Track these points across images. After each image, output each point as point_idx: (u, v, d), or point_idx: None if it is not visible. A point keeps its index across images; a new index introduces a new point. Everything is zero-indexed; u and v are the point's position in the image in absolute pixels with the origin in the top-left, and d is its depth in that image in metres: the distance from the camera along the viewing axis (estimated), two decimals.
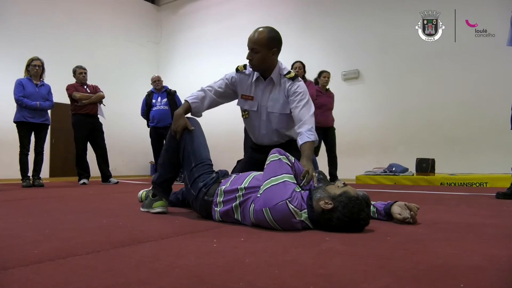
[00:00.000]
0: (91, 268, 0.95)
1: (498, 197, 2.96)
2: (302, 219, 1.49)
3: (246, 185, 1.65)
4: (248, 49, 2.11)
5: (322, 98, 4.87)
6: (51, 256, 1.06)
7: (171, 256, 1.08)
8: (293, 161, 1.69)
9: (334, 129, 5.09)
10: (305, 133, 1.99)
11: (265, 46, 2.08)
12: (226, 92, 2.26)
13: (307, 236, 1.38)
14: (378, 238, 1.34)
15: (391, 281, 0.85)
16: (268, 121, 2.24)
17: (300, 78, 2.22)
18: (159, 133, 5.68)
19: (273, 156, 1.64)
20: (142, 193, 2.50)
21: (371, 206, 1.73)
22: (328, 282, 0.84)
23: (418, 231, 1.49)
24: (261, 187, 1.54)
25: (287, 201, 1.45)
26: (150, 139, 5.87)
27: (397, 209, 1.66)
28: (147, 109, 5.74)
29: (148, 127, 5.83)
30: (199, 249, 1.18)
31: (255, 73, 2.22)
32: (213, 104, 2.25)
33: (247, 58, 2.14)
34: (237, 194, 1.65)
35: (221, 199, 1.71)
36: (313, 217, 1.48)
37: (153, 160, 6.91)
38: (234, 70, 2.28)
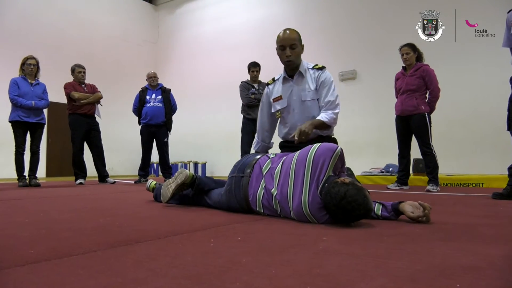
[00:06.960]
0: (87, 268, 0.95)
1: (494, 198, 2.97)
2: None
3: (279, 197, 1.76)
4: (284, 48, 2.31)
5: None
6: (47, 256, 1.06)
7: (168, 256, 1.07)
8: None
9: None
10: (324, 114, 2.28)
11: (300, 41, 2.35)
12: (269, 107, 2.58)
13: (304, 236, 1.38)
14: (374, 238, 1.34)
15: (387, 280, 0.85)
16: (302, 111, 2.43)
17: (326, 69, 2.45)
18: (151, 132, 5.53)
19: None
20: (151, 183, 2.65)
21: (377, 203, 1.75)
22: (325, 282, 0.84)
23: (415, 231, 1.49)
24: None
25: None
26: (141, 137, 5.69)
27: (410, 208, 1.66)
28: (139, 106, 5.57)
29: (139, 124, 5.66)
30: (196, 249, 1.18)
31: (281, 77, 2.47)
32: (272, 126, 2.63)
33: (286, 56, 2.32)
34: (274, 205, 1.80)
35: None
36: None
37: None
38: (266, 86, 2.60)
